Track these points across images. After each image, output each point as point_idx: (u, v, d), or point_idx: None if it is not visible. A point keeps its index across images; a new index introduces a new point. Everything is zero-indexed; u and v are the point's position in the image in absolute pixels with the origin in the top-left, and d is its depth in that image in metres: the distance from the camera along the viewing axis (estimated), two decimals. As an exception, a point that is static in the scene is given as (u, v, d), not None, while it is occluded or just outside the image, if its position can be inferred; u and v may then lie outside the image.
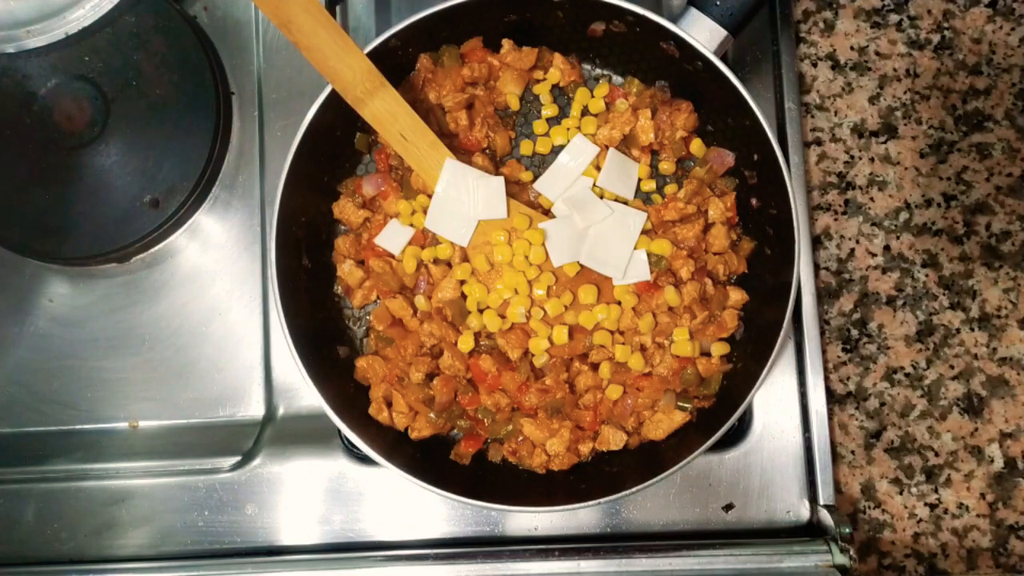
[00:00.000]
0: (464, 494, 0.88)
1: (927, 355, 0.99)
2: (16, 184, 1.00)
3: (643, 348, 0.93)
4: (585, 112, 0.99)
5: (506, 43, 0.97)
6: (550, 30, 0.96)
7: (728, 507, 0.96)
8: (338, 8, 1.04)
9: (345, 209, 0.97)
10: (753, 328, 0.94)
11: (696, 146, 0.96)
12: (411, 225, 0.96)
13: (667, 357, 0.93)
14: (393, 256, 0.96)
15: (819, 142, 1.03)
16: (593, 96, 0.98)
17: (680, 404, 0.91)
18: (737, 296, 0.94)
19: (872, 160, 1.02)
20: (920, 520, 0.97)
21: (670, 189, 0.97)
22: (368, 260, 0.97)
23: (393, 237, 0.95)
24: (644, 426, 0.93)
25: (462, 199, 0.93)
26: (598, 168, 0.97)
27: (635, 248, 0.93)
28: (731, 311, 0.94)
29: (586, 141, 0.97)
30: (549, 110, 0.99)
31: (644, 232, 0.94)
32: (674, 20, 0.89)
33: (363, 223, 0.98)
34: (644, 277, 0.93)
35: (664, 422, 0.92)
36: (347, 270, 0.97)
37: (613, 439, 0.93)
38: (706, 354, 0.93)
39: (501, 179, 0.93)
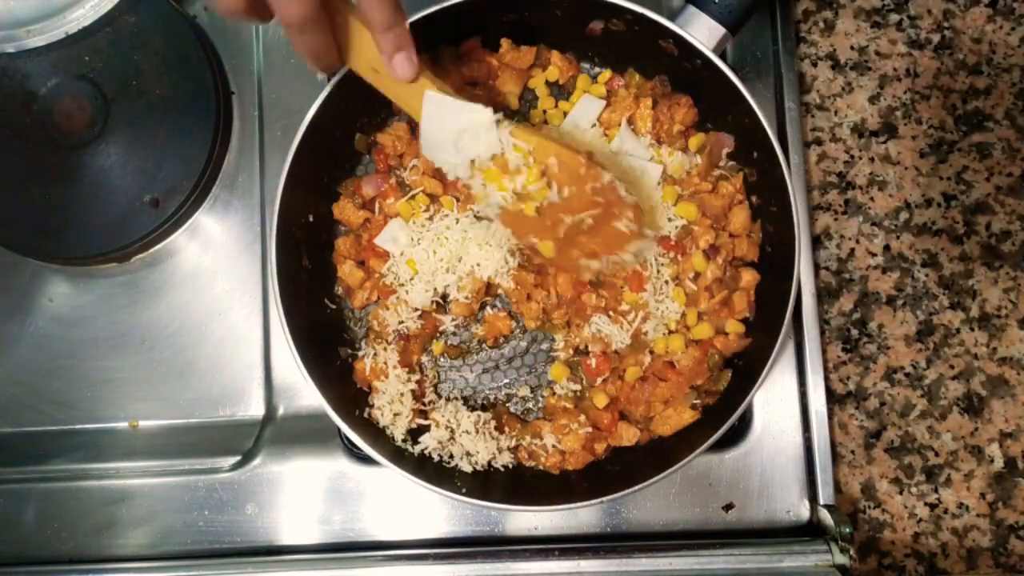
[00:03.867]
0: (464, 494, 0.88)
1: (927, 355, 0.99)
2: (16, 184, 1.00)
3: (669, 332, 0.93)
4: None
5: (504, 42, 0.97)
6: (549, 29, 0.96)
7: (728, 507, 0.96)
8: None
9: (345, 210, 0.97)
10: (754, 327, 0.94)
11: (695, 142, 0.96)
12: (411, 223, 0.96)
13: (689, 350, 0.93)
14: (393, 256, 0.96)
15: (819, 142, 1.03)
16: (595, 83, 0.98)
17: (694, 403, 0.91)
18: (749, 277, 0.94)
19: (872, 160, 1.02)
20: (920, 520, 0.97)
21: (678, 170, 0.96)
22: (368, 261, 0.97)
23: (393, 237, 0.95)
24: (654, 421, 0.93)
25: (451, 134, 0.83)
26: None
27: (662, 200, 0.93)
28: (742, 293, 0.93)
29: (592, 99, 0.96)
30: (546, 104, 0.99)
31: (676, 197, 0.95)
32: (673, 18, 0.89)
33: (363, 224, 0.98)
34: (662, 232, 0.93)
35: (673, 418, 0.92)
36: (348, 271, 0.97)
37: (626, 435, 0.93)
38: (722, 334, 0.94)
39: (490, 110, 0.82)
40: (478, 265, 0.93)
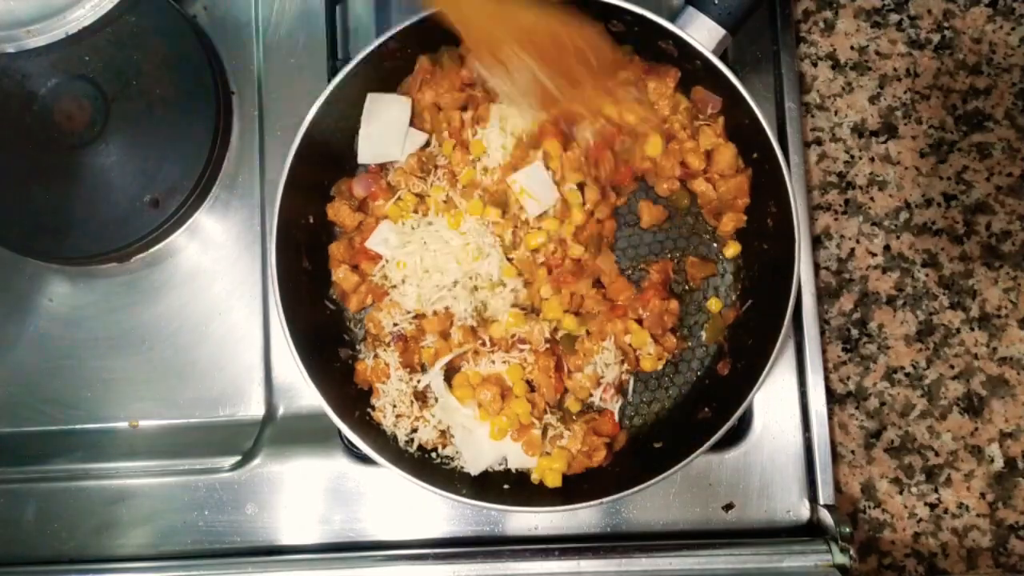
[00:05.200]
0: (464, 494, 0.88)
1: (927, 355, 0.99)
2: (16, 184, 1.00)
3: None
4: None
5: None
6: (549, 30, 0.96)
7: (728, 507, 0.96)
8: (338, 8, 1.04)
9: (340, 211, 0.97)
10: (753, 328, 0.94)
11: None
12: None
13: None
14: (385, 259, 0.96)
15: (819, 142, 1.03)
16: None
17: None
18: (733, 250, 0.97)
19: (872, 160, 1.02)
20: (920, 520, 0.97)
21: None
22: (361, 264, 0.96)
23: (384, 239, 0.95)
24: (641, 360, 0.94)
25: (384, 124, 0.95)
26: None
27: None
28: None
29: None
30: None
31: None
32: (672, 19, 0.89)
33: (357, 226, 0.97)
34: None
35: (654, 350, 0.93)
36: (342, 275, 0.96)
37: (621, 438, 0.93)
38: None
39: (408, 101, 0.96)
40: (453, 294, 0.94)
